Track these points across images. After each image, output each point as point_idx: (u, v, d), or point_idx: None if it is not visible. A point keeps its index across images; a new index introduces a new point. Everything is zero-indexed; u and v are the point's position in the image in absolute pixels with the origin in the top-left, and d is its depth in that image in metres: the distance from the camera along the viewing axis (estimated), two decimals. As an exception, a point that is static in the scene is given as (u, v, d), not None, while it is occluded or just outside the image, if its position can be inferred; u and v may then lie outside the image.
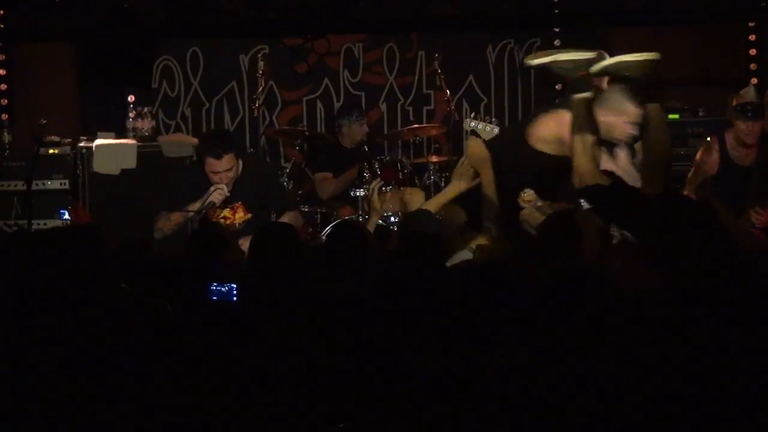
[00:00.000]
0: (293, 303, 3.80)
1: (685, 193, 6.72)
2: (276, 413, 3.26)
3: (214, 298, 3.79)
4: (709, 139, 7.03)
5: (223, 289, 3.80)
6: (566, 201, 5.68)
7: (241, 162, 6.39)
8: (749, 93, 6.65)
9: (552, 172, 6.03)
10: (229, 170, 6.26)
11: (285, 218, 6.39)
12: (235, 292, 3.79)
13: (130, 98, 8.60)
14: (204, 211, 6.21)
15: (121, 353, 3.17)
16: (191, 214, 6.29)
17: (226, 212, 6.32)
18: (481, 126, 7.31)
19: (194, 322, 3.63)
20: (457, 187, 5.95)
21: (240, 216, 6.32)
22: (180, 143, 8.15)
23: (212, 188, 6.22)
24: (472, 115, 7.78)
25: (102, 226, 7.02)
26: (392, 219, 7.95)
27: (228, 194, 6.26)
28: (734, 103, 6.68)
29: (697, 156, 6.93)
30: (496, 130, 7.29)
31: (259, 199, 6.38)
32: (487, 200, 6.12)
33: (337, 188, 8.18)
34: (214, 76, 9.03)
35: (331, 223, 7.80)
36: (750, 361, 3.09)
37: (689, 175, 6.90)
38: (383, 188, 7.58)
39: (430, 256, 4.08)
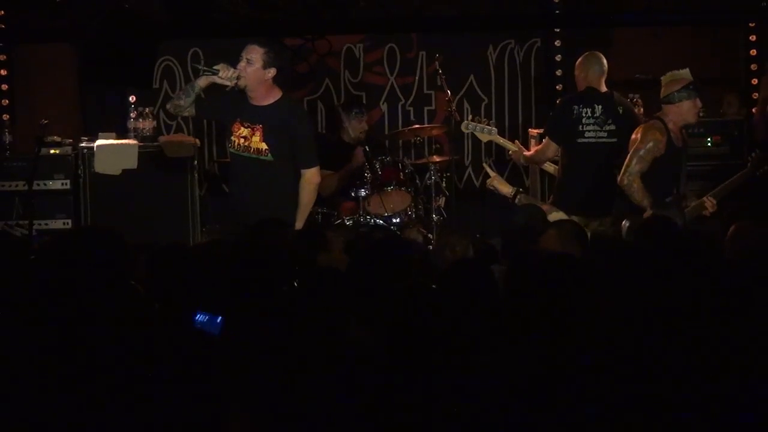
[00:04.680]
0: None
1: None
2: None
3: (198, 327, 3.56)
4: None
5: (205, 319, 3.62)
6: None
7: (279, 92, 6.31)
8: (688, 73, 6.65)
9: None
10: (248, 62, 6.21)
11: (305, 175, 6.26)
12: (218, 323, 3.57)
13: (132, 98, 8.59)
14: (204, 71, 6.21)
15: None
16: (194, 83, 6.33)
17: (246, 131, 6.27)
18: (479, 128, 7.32)
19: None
20: None
21: (256, 140, 6.24)
22: (181, 143, 8.14)
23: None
24: (470, 117, 7.79)
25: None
26: (394, 220, 7.97)
27: (236, 82, 6.19)
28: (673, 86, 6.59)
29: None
30: (494, 131, 7.30)
31: (284, 137, 6.24)
32: None
33: (340, 182, 8.13)
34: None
35: (332, 224, 7.81)
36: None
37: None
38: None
39: None
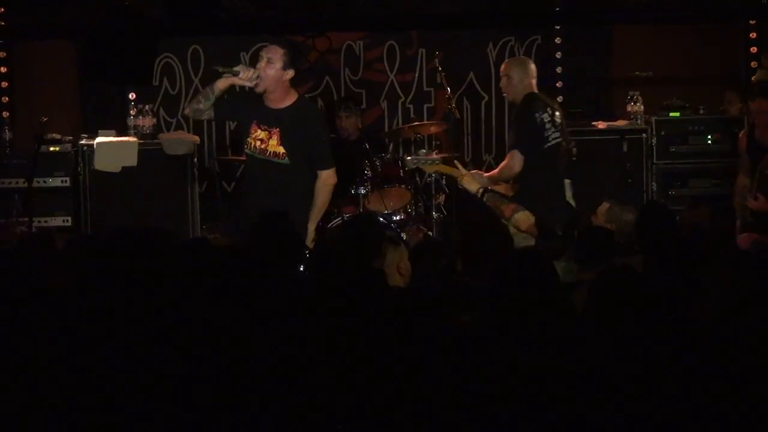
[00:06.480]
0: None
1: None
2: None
3: None
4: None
5: None
6: None
7: (295, 94, 6.30)
8: None
9: None
10: (269, 61, 6.18)
11: (321, 177, 6.26)
12: None
13: (131, 96, 8.61)
14: (225, 72, 6.19)
15: None
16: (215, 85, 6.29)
17: (263, 134, 6.22)
18: (422, 161, 7.15)
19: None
20: None
21: (273, 144, 6.20)
22: (181, 141, 8.15)
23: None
24: (412, 151, 7.73)
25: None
26: (394, 218, 7.97)
27: (256, 82, 6.16)
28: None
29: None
30: (438, 161, 7.09)
31: (301, 139, 6.21)
32: None
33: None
34: (215, 73, 8.98)
35: (333, 221, 7.81)
36: None
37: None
38: None
39: None
